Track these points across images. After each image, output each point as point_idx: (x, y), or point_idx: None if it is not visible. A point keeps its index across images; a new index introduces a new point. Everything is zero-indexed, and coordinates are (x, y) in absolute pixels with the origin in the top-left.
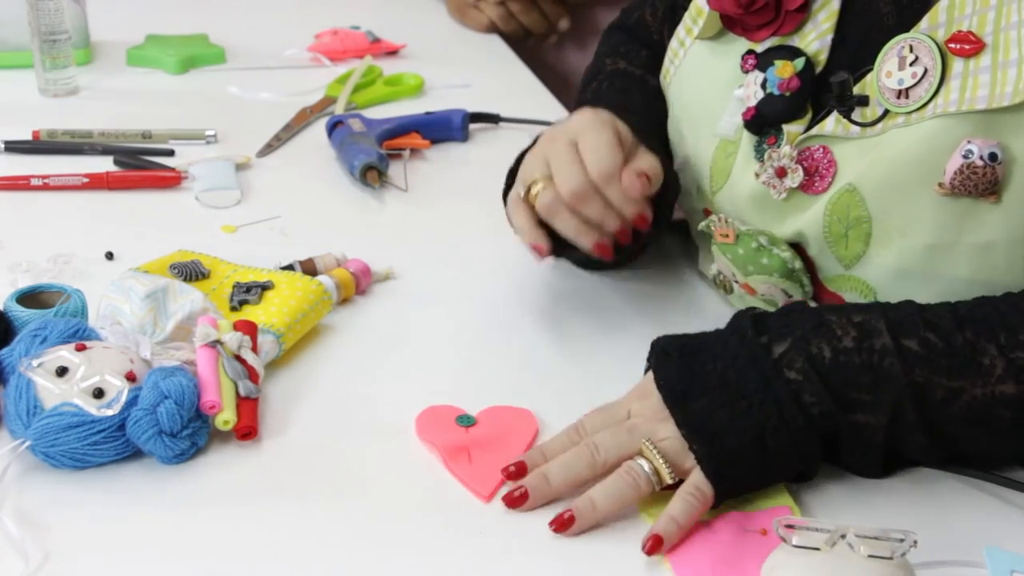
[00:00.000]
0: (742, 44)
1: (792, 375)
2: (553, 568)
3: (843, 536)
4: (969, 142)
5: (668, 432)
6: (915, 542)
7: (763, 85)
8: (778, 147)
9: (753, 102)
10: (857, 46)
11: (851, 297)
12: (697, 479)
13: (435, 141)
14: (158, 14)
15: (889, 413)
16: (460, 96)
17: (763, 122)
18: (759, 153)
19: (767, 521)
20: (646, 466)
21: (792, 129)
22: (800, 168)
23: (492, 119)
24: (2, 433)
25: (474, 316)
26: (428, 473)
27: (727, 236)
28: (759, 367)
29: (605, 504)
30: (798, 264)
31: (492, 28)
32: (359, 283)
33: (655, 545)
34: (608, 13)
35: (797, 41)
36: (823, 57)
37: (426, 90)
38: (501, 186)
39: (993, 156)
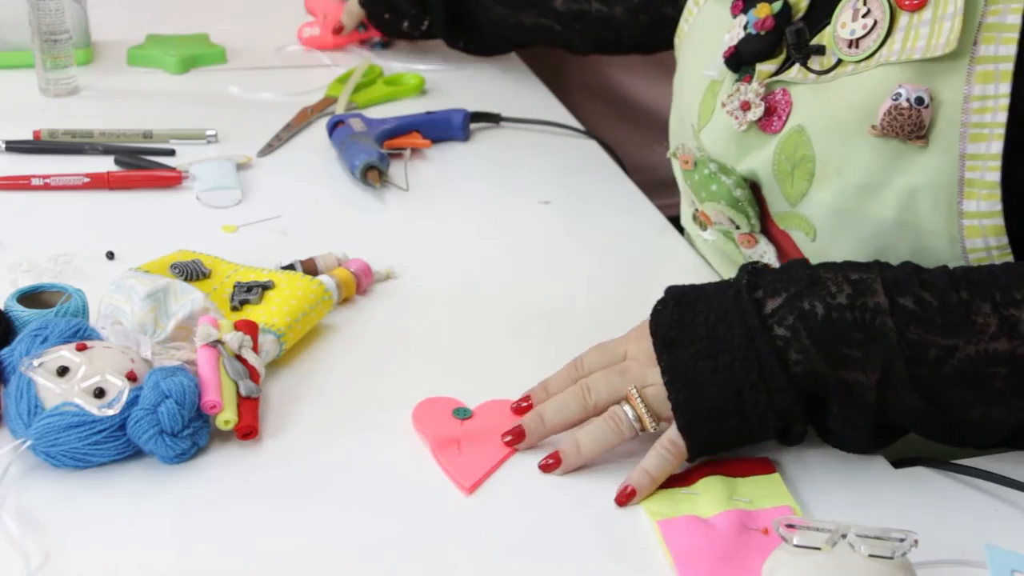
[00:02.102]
0: None
1: (780, 331)
2: (554, 566)
3: (844, 536)
4: (900, 86)
5: (655, 379)
6: (916, 541)
7: (745, 27)
8: (751, 84)
9: (734, 41)
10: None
11: (797, 235)
12: (672, 432)
13: (436, 141)
14: (158, 14)
15: (880, 370)
16: (460, 96)
17: (740, 60)
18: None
19: (768, 520)
20: (630, 412)
21: (764, 68)
22: (763, 105)
23: (493, 119)
24: (2, 433)
25: (475, 316)
26: (429, 473)
27: (687, 163)
28: (746, 322)
29: (589, 447)
30: (739, 192)
31: None
32: (360, 283)
33: (629, 496)
34: None
35: None
36: (804, 5)
37: (426, 90)
38: (502, 185)
39: (920, 100)
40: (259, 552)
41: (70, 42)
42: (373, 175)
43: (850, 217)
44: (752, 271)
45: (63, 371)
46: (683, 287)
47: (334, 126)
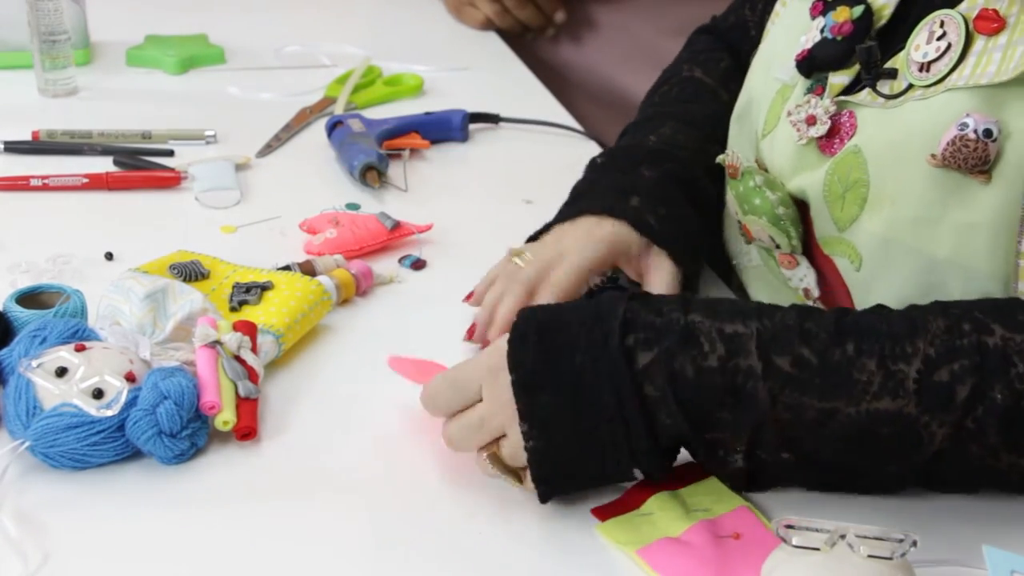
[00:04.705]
0: None
1: (651, 391)
2: (549, 571)
3: (843, 536)
4: (968, 115)
5: (513, 433)
6: (915, 542)
7: (821, 30)
8: (822, 98)
9: (809, 45)
10: (921, 10)
11: (841, 262)
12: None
13: (435, 141)
14: (158, 14)
15: (748, 436)
16: (460, 96)
17: (812, 64)
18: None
19: (733, 525)
20: (488, 470)
21: (836, 81)
22: (828, 123)
23: (492, 119)
24: (2, 433)
25: (474, 318)
26: (427, 473)
27: (734, 172)
28: (616, 380)
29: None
30: (783, 211)
31: (488, 24)
32: (360, 284)
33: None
34: (603, 6)
35: None
36: (887, 12)
37: (425, 90)
38: (501, 186)
39: (988, 132)
40: (258, 552)
41: (69, 43)
42: (372, 176)
43: (900, 249)
44: (625, 310)
45: (62, 372)
46: (545, 310)
47: (333, 126)
